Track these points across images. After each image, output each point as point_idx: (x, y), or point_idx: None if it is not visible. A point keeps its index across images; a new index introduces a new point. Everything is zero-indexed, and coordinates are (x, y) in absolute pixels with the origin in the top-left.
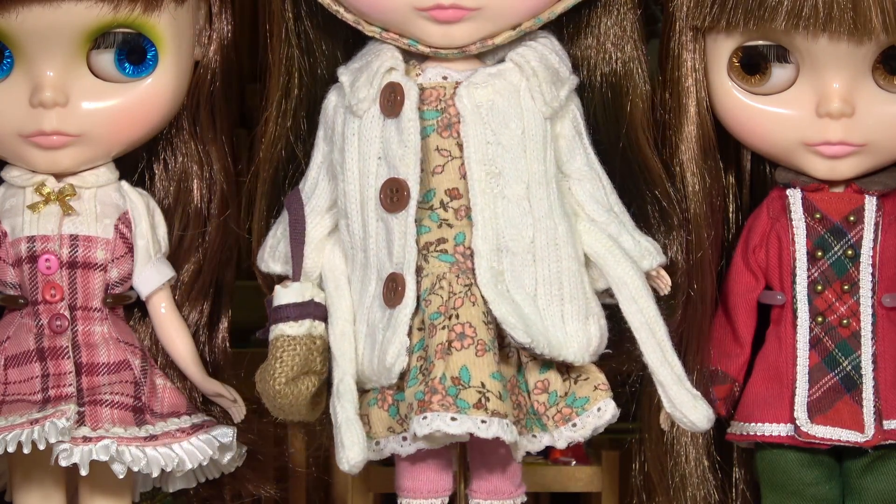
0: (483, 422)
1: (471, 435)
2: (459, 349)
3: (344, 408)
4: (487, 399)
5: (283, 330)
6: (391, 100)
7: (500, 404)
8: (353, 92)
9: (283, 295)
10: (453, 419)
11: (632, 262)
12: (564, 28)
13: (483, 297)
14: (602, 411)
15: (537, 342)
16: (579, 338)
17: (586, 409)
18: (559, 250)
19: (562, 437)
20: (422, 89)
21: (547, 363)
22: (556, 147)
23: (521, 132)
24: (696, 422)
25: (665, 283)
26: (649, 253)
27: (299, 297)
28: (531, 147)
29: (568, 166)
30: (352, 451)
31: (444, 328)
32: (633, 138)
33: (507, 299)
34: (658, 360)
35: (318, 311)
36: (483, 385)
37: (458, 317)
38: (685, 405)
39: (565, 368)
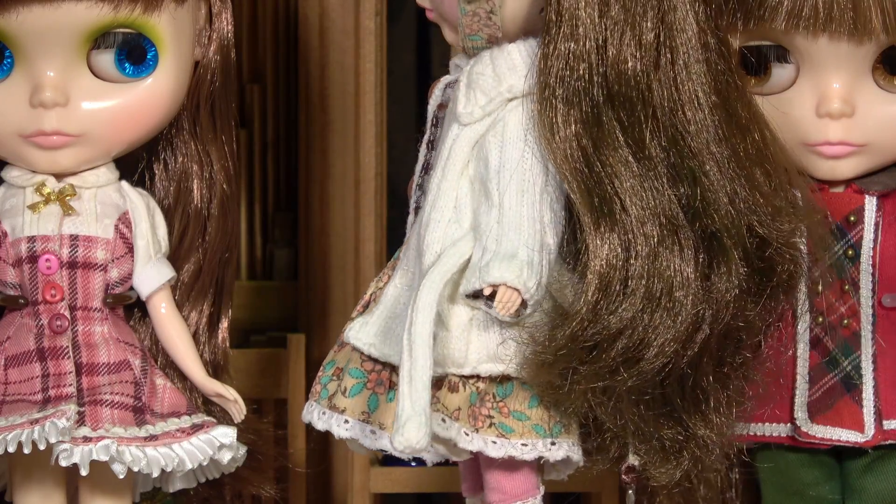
0: (323, 413)
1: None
2: None
3: None
4: (335, 394)
5: None
6: None
7: (343, 400)
8: None
9: None
10: (310, 407)
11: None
12: None
13: None
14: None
15: (381, 352)
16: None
17: None
18: (422, 258)
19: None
20: None
21: None
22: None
23: (451, 139)
24: (395, 442)
25: (502, 309)
26: (488, 271)
27: None
28: (442, 153)
29: (472, 173)
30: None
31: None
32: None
33: (388, 303)
34: (403, 373)
35: None
36: (341, 379)
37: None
38: (399, 420)
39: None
